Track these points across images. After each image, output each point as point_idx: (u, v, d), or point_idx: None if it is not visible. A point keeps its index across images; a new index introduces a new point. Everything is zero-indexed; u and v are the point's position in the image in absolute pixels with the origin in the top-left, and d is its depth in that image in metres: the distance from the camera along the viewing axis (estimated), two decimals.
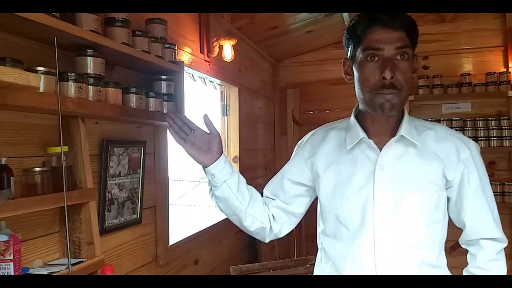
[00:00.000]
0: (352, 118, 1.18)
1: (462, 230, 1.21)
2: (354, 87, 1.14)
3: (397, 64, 1.05)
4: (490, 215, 1.15)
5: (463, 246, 1.24)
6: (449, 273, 1.17)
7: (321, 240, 1.24)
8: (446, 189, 1.14)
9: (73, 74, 1.27)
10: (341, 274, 1.14)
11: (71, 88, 1.26)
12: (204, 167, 1.15)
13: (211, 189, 1.17)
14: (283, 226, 1.24)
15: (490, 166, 3.33)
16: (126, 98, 1.52)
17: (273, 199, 1.25)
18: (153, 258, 1.93)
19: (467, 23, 3.48)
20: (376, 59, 1.06)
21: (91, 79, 1.34)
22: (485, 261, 1.16)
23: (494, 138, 3.23)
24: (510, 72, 3.27)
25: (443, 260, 1.17)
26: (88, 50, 1.35)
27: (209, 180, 1.15)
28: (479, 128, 3.26)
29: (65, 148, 1.32)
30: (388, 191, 1.10)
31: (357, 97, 1.14)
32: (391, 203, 1.09)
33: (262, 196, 1.26)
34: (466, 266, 1.21)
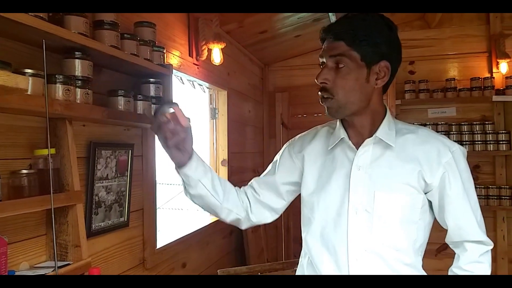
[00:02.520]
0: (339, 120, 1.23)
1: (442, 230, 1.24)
2: None
3: (333, 71, 1.12)
4: (473, 219, 1.16)
5: (449, 245, 1.27)
6: (423, 273, 1.19)
7: (303, 235, 1.28)
8: (426, 192, 1.15)
9: (61, 76, 1.27)
10: (317, 269, 1.18)
11: (59, 90, 1.26)
12: (178, 167, 1.12)
13: (185, 187, 1.18)
14: (262, 218, 1.29)
15: (475, 169, 3.39)
16: (113, 100, 1.52)
17: (257, 194, 1.29)
18: (140, 261, 1.92)
19: (452, 29, 3.55)
20: (321, 66, 1.15)
21: (79, 82, 1.34)
22: (467, 262, 1.18)
23: (479, 142, 3.29)
24: (494, 78, 3.34)
25: (419, 262, 1.18)
26: (76, 53, 1.35)
27: (183, 179, 1.14)
28: (464, 133, 3.32)
29: (52, 151, 1.31)
30: (362, 191, 1.13)
31: None
32: (365, 203, 1.12)
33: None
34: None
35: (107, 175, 1.64)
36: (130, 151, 1.76)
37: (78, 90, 1.33)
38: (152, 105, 1.72)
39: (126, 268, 1.82)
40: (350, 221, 1.13)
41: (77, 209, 1.39)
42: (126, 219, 1.78)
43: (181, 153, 1.09)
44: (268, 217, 1.30)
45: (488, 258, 1.19)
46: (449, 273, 1.22)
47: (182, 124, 1.05)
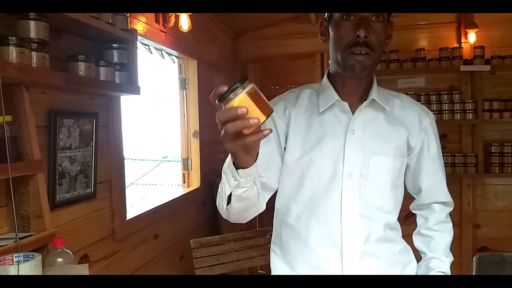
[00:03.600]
0: (325, 79, 1.18)
1: (413, 199, 1.28)
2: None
3: (371, 25, 1.05)
4: (444, 181, 1.24)
5: (413, 211, 1.30)
6: (400, 235, 1.22)
7: (278, 206, 1.21)
8: (407, 155, 1.19)
9: (14, 38, 1.20)
10: (304, 238, 1.13)
11: (12, 53, 1.19)
12: (243, 167, 0.90)
13: (229, 191, 0.97)
14: (263, 203, 1.13)
15: (442, 138, 3.47)
16: (73, 66, 1.46)
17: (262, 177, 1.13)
18: (110, 232, 1.89)
19: None
20: (352, 18, 1.06)
21: (35, 45, 1.27)
22: (436, 222, 1.24)
23: (446, 112, 3.35)
24: (462, 48, 3.38)
25: (398, 223, 1.22)
26: (31, 14, 1.27)
27: (237, 181, 0.93)
28: (432, 102, 3.37)
29: (8, 118, 1.25)
30: (357, 155, 1.11)
31: (330, 58, 1.15)
32: (359, 166, 1.11)
33: None
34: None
35: (71, 145, 1.59)
36: (94, 120, 1.71)
37: (34, 54, 1.26)
38: (116, 72, 1.65)
39: (95, 239, 1.79)
40: (345, 186, 1.11)
41: (38, 179, 1.34)
42: (92, 190, 1.74)
43: (254, 151, 0.89)
44: (267, 198, 1.15)
45: (450, 219, 1.28)
46: (416, 235, 1.28)
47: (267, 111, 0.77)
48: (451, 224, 1.27)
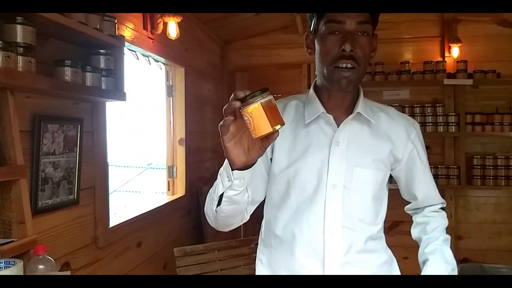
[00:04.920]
0: (312, 91, 1.19)
1: (405, 204, 1.32)
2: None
3: (357, 39, 1.06)
4: (435, 186, 1.28)
5: (408, 212, 1.35)
6: (385, 245, 1.24)
7: (267, 216, 1.23)
8: (393, 169, 1.21)
9: (0, 42, 1.19)
10: (289, 249, 1.15)
11: None
12: (236, 168, 0.94)
13: (222, 191, 1.01)
14: (248, 215, 1.17)
15: (425, 150, 3.53)
16: (60, 71, 1.44)
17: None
18: (92, 240, 1.87)
19: (407, 13, 3.62)
20: (337, 32, 1.07)
21: (21, 49, 1.26)
22: (431, 211, 1.28)
23: (430, 124, 3.42)
24: (445, 61, 3.46)
25: (382, 234, 1.23)
26: (18, 18, 1.26)
27: (231, 182, 0.97)
28: (416, 115, 3.43)
29: None
30: (341, 166, 1.12)
31: (316, 71, 1.16)
32: (343, 178, 1.12)
33: None
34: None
35: (54, 150, 1.57)
36: (79, 126, 1.69)
37: (20, 58, 1.25)
38: (102, 78, 1.64)
39: (77, 246, 1.76)
40: (328, 196, 1.12)
41: (20, 184, 1.33)
42: (76, 197, 1.72)
43: (255, 152, 0.93)
44: (251, 209, 1.18)
45: (445, 212, 1.30)
46: (413, 228, 1.31)
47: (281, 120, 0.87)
48: (445, 214, 1.29)
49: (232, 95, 0.88)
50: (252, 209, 1.17)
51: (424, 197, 1.26)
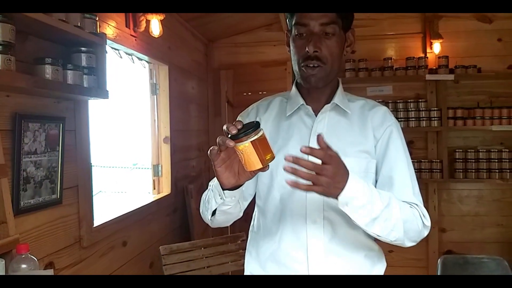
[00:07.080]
0: (294, 87, 1.26)
1: None
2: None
3: (322, 39, 1.12)
4: (415, 183, 1.20)
5: None
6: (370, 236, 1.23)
7: (257, 209, 1.28)
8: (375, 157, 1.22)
9: None
10: (275, 239, 1.19)
11: None
12: (231, 189, 1.04)
13: (215, 206, 1.10)
14: (242, 212, 1.23)
15: (409, 145, 3.55)
16: (40, 69, 1.43)
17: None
18: (76, 240, 1.85)
19: None
20: (304, 34, 1.14)
21: (0, 47, 1.24)
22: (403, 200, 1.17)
23: (413, 119, 3.46)
24: (427, 57, 3.51)
25: None
26: None
27: (223, 200, 1.06)
28: (399, 110, 3.48)
29: None
30: None
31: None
32: None
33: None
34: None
35: (36, 149, 1.55)
36: (61, 124, 1.67)
37: None
38: (84, 76, 1.62)
39: (61, 246, 1.74)
40: None
41: (1, 183, 1.31)
42: (59, 196, 1.70)
43: (245, 176, 1.01)
44: (244, 208, 1.24)
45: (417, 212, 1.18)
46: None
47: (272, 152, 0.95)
48: (418, 213, 1.16)
49: (225, 127, 0.93)
50: (245, 204, 1.24)
51: (398, 189, 1.16)
